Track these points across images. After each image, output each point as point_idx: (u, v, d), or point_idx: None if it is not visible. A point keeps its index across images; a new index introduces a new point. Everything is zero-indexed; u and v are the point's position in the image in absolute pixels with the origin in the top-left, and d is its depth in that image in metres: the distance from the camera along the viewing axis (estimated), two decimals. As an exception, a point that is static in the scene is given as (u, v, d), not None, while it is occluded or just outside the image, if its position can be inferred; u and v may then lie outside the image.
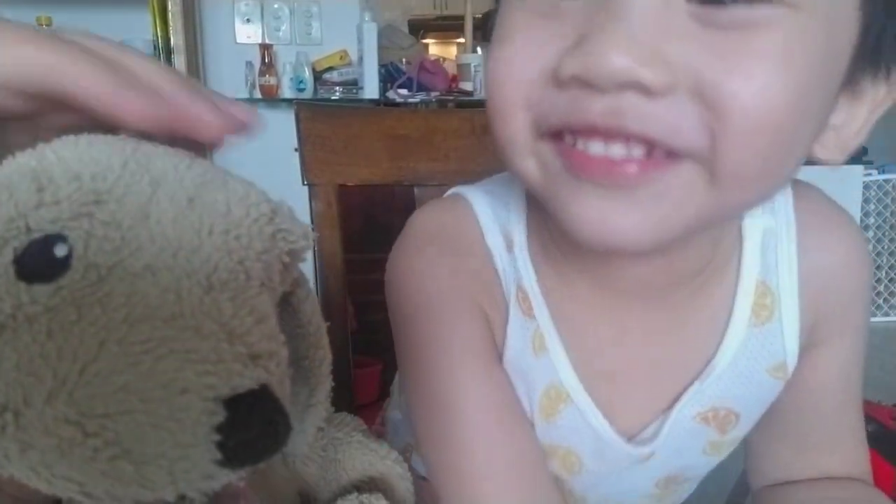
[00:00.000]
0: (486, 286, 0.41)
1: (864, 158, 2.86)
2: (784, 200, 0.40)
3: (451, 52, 4.76)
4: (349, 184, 0.75)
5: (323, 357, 0.29)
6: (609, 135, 0.30)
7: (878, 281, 3.14)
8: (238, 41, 2.46)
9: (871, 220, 3.08)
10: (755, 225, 0.40)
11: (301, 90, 2.42)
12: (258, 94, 2.41)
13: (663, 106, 0.28)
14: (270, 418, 0.22)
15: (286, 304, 0.28)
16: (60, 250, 0.22)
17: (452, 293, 0.40)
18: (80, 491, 0.21)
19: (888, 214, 3.12)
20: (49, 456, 0.20)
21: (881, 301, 3.14)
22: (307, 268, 0.28)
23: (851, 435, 0.46)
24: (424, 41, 4.80)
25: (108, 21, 2.23)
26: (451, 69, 2.81)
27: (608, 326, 0.41)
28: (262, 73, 2.40)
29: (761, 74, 0.27)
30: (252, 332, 0.23)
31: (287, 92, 2.43)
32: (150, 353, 0.21)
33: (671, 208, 0.30)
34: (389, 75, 2.53)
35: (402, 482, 0.37)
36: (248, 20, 2.46)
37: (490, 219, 0.41)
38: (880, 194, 3.10)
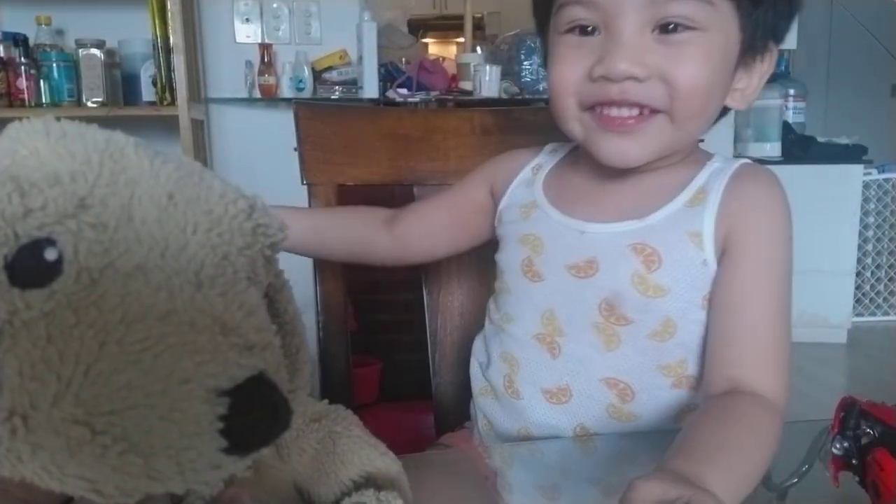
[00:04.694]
0: (511, 173, 0.72)
1: (864, 158, 2.85)
2: (737, 159, 0.64)
3: (451, 51, 4.76)
4: (348, 183, 0.75)
5: (299, 344, 0.29)
6: (620, 104, 0.56)
7: (878, 280, 3.14)
8: (237, 41, 2.46)
9: (871, 219, 3.08)
10: (715, 164, 0.63)
11: (300, 90, 2.42)
12: (257, 94, 2.41)
13: (645, 86, 0.55)
14: (270, 403, 0.23)
15: (264, 295, 0.28)
16: (51, 254, 0.22)
17: (487, 169, 0.74)
18: (91, 488, 0.21)
19: (888, 214, 3.12)
20: (59, 456, 0.21)
21: (881, 301, 3.14)
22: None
23: (762, 355, 0.56)
24: (424, 41, 4.80)
25: (108, 20, 2.23)
26: (451, 69, 2.81)
27: (587, 193, 0.66)
28: (261, 73, 2.39)
29: (692, 67, 0.55)
30: (243, 324, 0.23)
31: (286, 91, 2.43)
32: (149, 349, 0.21)
33: (653, 140, 0.58)
34: (389, 75, 2.53)
35: (402, 478, 0.37)
36: (247, 20, 2.46)
37: (539, 157, 0.72)
38: (880, 193, 3.10)
